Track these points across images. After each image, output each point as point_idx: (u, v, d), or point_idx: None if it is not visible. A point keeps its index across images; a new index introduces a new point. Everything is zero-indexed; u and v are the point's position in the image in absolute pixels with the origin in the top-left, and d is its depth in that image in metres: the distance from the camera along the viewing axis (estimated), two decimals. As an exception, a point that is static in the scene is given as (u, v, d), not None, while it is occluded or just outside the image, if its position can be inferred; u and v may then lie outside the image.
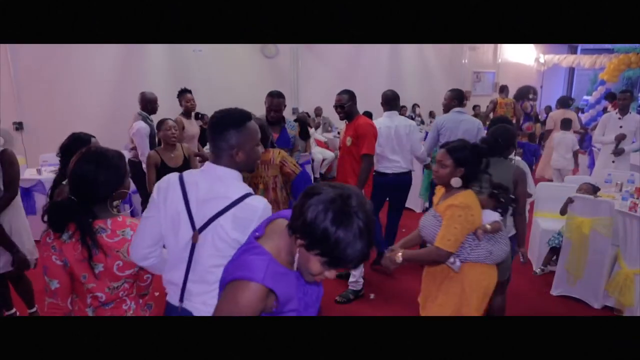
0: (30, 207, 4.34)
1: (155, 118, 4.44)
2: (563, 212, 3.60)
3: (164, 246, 1.59)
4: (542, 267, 4.04)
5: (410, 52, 10.06)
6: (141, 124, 4.32)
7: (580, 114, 10.11)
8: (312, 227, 1.04)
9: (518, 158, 3.29)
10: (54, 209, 1.50)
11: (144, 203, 4.36)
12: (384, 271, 3.16)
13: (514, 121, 6.75)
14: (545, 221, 4.15)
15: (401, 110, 4.21)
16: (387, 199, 4.07)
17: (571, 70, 13.19)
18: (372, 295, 3.63)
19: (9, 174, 2.59)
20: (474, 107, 9.65)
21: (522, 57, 12.10)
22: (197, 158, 4.21)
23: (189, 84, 4.89)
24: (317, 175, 6.92)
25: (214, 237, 1.45)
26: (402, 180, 3.90)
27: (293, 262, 1.16)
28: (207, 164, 1.54)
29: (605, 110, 9.07)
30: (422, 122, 9.46)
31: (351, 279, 3.60)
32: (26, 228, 2.83)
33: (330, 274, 1.12)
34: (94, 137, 2.30)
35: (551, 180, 6.27)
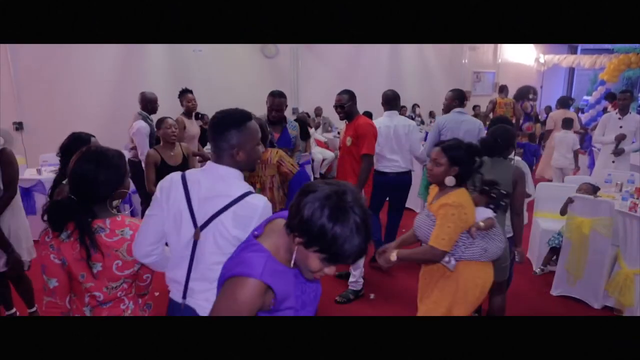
0: (30, 207, 4.35)
1: (155, 118, 4.45)
2: (563, 212, 3.60)
3: (166, 244, 1.61)
4: (542, 267, 4.04)
5: (410, 52, 10.06)
6: (141, 124, 4.33)
7: (580, 114, 10.11)
8: (309, 224, 1.05)
9: (518, 158, 3.29)
10: (53, 208, 1.50)
11: (144, 203, 4.36)
12: (381, 268, 3.18)
13: (513, 121, 6.75)
14: (545, 221, 4.15)
15: (401, 110, 4.21)
16: (387, 199, 4.07)
17: (571, 71, 13.20)
18: (372, 295, 3.63)
19: (8, 173, 2.59)
20: (474, 107, 9.65)
21: (522, 57, 12.10)
22: (197, 158, 4.21)
23: (189, 84, 4.89)
24: (317, 175, 6.93)
25: (215, 234, 1.48)
26: (402, 180, 3.90)
27: (289, 260, 1.17)
28: (209, 163, 1.57)
29: (605, 110, 9.07)
30: (422, 122, 9.47)
31: (351, 279, 3.60)
32: (26, 228, 2.84)
33: (330, 270, 1.12)
34: (93, 136, 2.31)
35: (551, 180, 6.28)
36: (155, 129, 3.49)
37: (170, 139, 3.42)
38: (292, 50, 8.47)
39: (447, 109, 4.21)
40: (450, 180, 2.10)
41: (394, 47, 9.73)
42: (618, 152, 4.99)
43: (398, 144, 3.82)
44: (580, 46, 12.77)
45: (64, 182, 2.11)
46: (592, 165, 6.56)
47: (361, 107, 3.71)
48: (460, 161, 2.09)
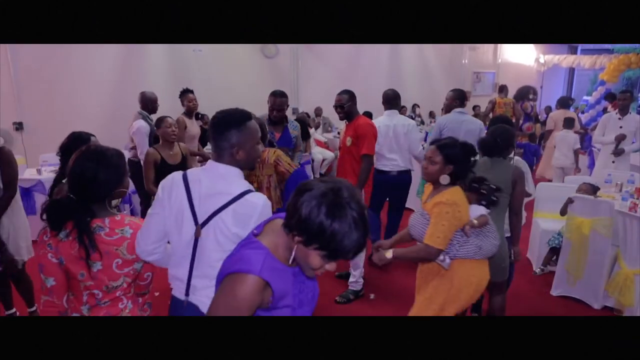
0: (30, 207, 4.34)
1: (155, 118, 4.46)
2: (563, 212, 3.60)
3: (168, 242, 1.64)
4: (542, 267, 4.04)
5: (410, 52, 10.06)
6: (141, 123, 4.35)
7: (580, 114, 10.11)
8: (308, 222, 1.06)
9: (517, 158, 3.29)
10: (52, 207, 1.50)
11: (143, 203, 4.36)
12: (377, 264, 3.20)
13: (513, 120, 6.73)
14: (545, 221, 4.15)
15: (401, 110, 4.21)
16: (387, 199, 4.07)
17: (571, 71, 13.20)
18: (372, 296, 3.63)
19: (8, 173, 2.60)
20: (474, 108, 9.65)
21: (522, 57, 12.10)
22: (197, 157, 4.21)
23: (189, 84, 4.90)
24: (317, 176, 6.93)
25: (215, 231, 1.51)
26: (402, 179, 3.90)
27: (288, 258, 1.18)
28: (210, 162, 1.60)
29: (605, 110, 9.07)
30: (422, 123, 9.46)
31: (351, 279, 3.60)
32: (26, 228, 2.85)
33: (331, 266, 1.13)
34: (93, 135, 2.31)
35: (551, 180, 6.28)
36: (156, 128, 3.49)
37: (170, 138, 3.42)
38: (292, 50, 8.47)
39: (447, 109, 4.21)
40: (444, 179, 2.10)
41: (394, 47, 9.73)
42: (618, 152, 4.99)
43: (397, 143, 3.82)
44: (580, 46, 12.77)
45: (63, 181, 2.11)
46: (592, 165, 6.56)
47: (361, 107, 3.71)
48: (455, 159, 2.09)
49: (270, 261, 1.16)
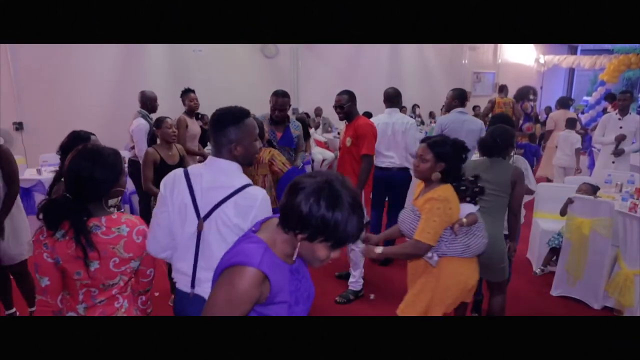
0: (31, 207, 4.34)
1: (155, 117, 4.46)
2: (563, 212, 3.60)
3: None
4: (542, 268, 4.04)
5: (410, 52, 10.06)
6: (141, 121, 4.40)
7: (580, 115, 10.11)
8: (310, 219, 1.09)
9: (518, 156, 3.28)
10: (49, 206, 1.49)
11: (142, 202, 4.36)
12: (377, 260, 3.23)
13: (513, 120, 6.72)
14: (545, 222, 4.15)
15: (402, 110, 4.22)
16: (387, 198, 4.07)
17: (571, 71, 13.19)
18: (372, 296, 3.63)
19: (9, 170, 2.64)
20: (474, 108, 9.64)
21: (522, 57, 12.10)
22: (197, 157, 4.21)
23: (189, 84, 4.89)
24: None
25: (217, 223, 1.56)
26: (400, 176, 3.92)
27: (288, 255, 1.21)
28: (210, 157, 1.66)
29: (605, 111, 9.07)
30: (422, 123, 9.46)
31: (351, 279, 3.60)
32: (26, 228, 2.86)
33: (335, 254, 1.17)
34: (93, 134, 2.31)
35: (552, 180, 6.28)
36: (155, 128, 3.50)
37: (170, 139, 3.42)
38: (292, 50, 8.47)
39: (447, 109, 4.21)
40: (436, 176, 2.10)
41: (394, 47, 9.73)
42: (618, 153, 4.99)
43: (394, 141, 3.85)
44: (580, 47, 12.77)
45: (62, 179, 2.11)
46: (592, 165, 6.56)
47: (361, 108, 3.71)
48: (446, 157, 2.09)
49: (269, 255, 1.17)
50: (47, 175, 4.56)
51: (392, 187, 3.96)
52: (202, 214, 1.58)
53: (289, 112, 3.50)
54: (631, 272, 3.22)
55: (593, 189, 3.79)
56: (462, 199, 2.18)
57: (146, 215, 4.05)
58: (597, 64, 10.93)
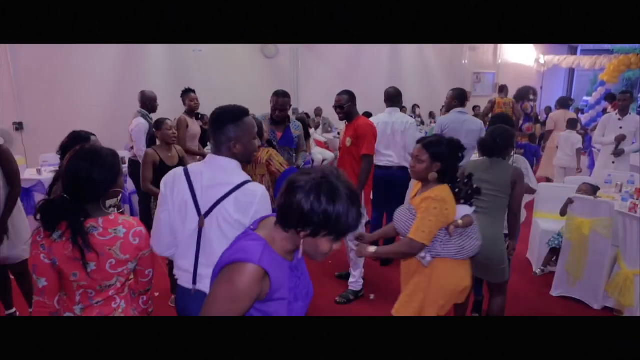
0: (31, 208, 4.34)
1: (155, 117, 4.47)
2: (563, 213, 3.60)
3: None
4: (542, 268, 4.04)
5: (410, 52, 10.07)
6: (141, 120, 4.44)
7: (580, 115, 10.11)
8: (312, 215, 1.10)
9: (518, 156, 3.28)
10: (46, 206, 1.48)
11: (142, 203, 4.36)
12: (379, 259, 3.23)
13: (513, 119, 6.72)
14: (545, 222, 4.15)
15: (402, 110, 4.23)
16: (387, 197, 4.08)
17: (571, 71, 13.19)
18: (372, 296, 3.63)
19: (9, 170, 2.66)
20: (474, 108, 9.65)
21: (522, 57, 12.10)
22: (198, 157, 4.21)
23: (189, 84, 4.89)
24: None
25: (218, 219, 1.60)
26: (399, 175, 3.92)
27: (288, 252, 1.22)
28: (210, 155, 1.68)
29: (605, 111, 9.07)
30: (422, 123, 9.47)
31: (351, 280, 3.60)
32: (26, 228, 2.86)
33: (337, 245, 1.19)
34: (93, 135, 2.31)
35: (552, 180, 6.28)
36: (154, 129, 3.51)
37: (170, 140, 3.43)
38: (292, 50, 8.47)
39: (447, 109, 4.21)
40: (433, 176, 2.10)
41: (394, 47, 9.73)
42: (618, 153, 4.98)
43: (393, 141, 3.86)
44: (580, 47, 12.77)
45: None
46: (592, 165, 6.56)
47: (361, 108, 3.71)
48: (441, 157, 2.09)
49: (268, 252, 1.17)
50: (47, 175, 4.57)
51: (391, 186, 3.96)
52: (202, 211, 1.61)
53: (289, 112, 3.50)
54: (631, 272, 3.22)
55: (593, 189, 3.79)
56: (457, 201, 2.18)
57: (146, 215, 4.06)
58: (597, 64, 10.93)
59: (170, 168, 3.33)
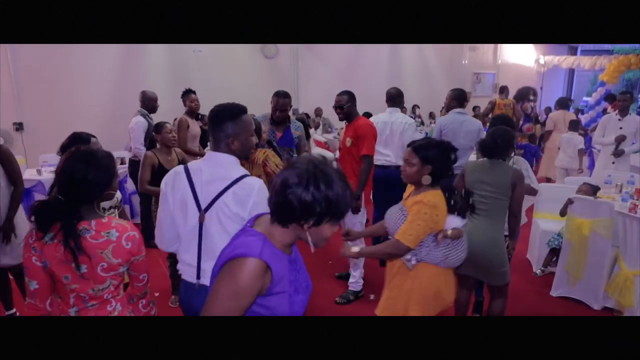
0: (31, 208, 4.35)
1: (155, 117, 4.48)
2: (563, 213, 3.60)
3: None
4: (542, 268, 4.04)
5: (410, 52, 10.06)
6: (140, 119, 4.53)
7: (580, 115, 10.11)
8: (315, 204, 1.13)
9: (518, 157, 3.27)
10: (40, 208, 1.47)
11: (143, 203, 4.36)
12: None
13: (514, 120, 6.72)
14: (545, 222, 4.14)
15: (402, 110, 4.23)
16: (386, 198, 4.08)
17: (571, 72, 13.19)
18: (372, 296, 3.62)
19: (11, 169, 2.70)
20: (474, 108, 9.65)
21: (522, 58, 12.10)
22: (198, 158, 4.21)
23: (189, 84, 4.90)
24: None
25: (218, 213, 1.64)
26: (399, 175, 3.91)
27: (286, 245, 1.23)
28: (209, 152, 1.74)
29: (605, 111, 9.07)
30: (422, 123, 9.47)
31: (351, 280, 3.60)
32: (26, 228, 2.86)
33: (336, 227, 1.23)
34: (94, 136, 2.30)
35: (551, 180, 6.28)
36: (154, 133, 3.52)
37: (170, 144, 3.45)
38: (292, 50, 8.47)
39: (447, 109, 4.21)
40: (426, 179, 2.09)
41: (394, 47, 9.73)
42: (618, 153, 4.98)
43: (392, 140, 3.85)
44: (580, 47, 12.77)
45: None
46: (592, 166, 6.56)
47: (361, 108, 3.71)
48: (432, 160, 2.08)
49: (268, 245, 1.18)
50: (47, 175, 4.57)
51: (390, 185, 3.96)
52: (202, 206, 1.66)
53: (289, 113, 3.50)
54: (631, 273, 3.22)
55: (593, 190, 3.79)
56: (451, 211, 2.17)
57: (147, 216, 4.06)
58: (597, 64, 10.93)
59: (168, 171, 3.35)
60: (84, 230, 1.47)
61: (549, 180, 6.75)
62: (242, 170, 1.69)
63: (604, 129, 5.17)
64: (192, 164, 1.75)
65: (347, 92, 3.46)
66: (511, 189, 2.59)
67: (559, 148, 6.32)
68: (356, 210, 3.34)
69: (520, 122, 7.04)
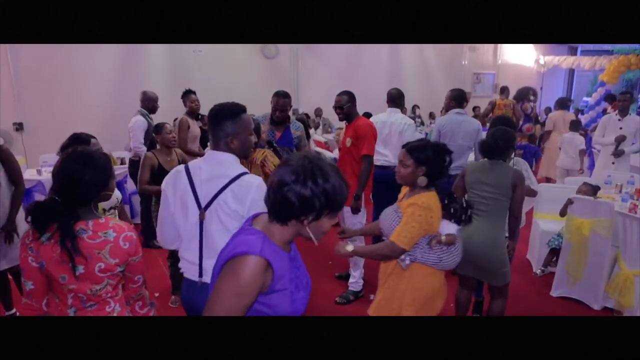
0: (31, 208, 4.35)
1: (155, 118, 4.49)
2: (563, 213, 3.60)
3: None
4: (542, 268, 4.04)
5: (410, 52, 10.06)
6: (140, 118, 4.54)
7: (580, 116, 10.10)
8: (314, 199, 1.14)
9: (517, 158, 3.27)
10: (37, 208, 1.47)
11: (143, 203, 4.36)
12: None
13: (514, 120, 6.72)
14: (545, 222, 4.14)
15: (402, 111, 4.23)
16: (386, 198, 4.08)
17: (571, 72, 13.19)
18: (372, 296, 3.59)
19: (12, 169, 2.71)
20: (474, 109, 9.64)
21: (522, 58, 12.09)
22: (198, 158, 4.21)
23: (189, 84, 4.90)
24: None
25: (218, 211, 1.66)
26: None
27: (286, 242, 1.24)
28: (208, 151, 1.76)
29: (605, 111, 9.07)
30: (422, 124, 9.46)
31: (351, 280, 3.60)
32: (26, 228, 2.86)
33: (334, 220, 1.24)
34: (94, 137, 2.30)
35: (551, 180, 6.28)
36: (154, 134, 3.53)
37: (170, 144, 3.45)
38: (292, 50, 8.47)
39: (446, 109, 4.21)
40: (422, 181, 2.08)
41: (394, 47, 9.72)
42: (618, 154, 4.98)
43: (390, 141, 3.85)
44: (580, 47, 12.77)
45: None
46: (592, 166, 6.56)
47: (361, 108, 3.70)
48: (426, 161, 2.08)
49: (268, 243, 1.18)
50: (47, 175, 4.56)
51: (390, 185, 3.95)
52: (202, 205, 1.68)
53: (289, 113, 3.50)
54: (631, 273, 3.22)
55: (593, 190, 3.79)
56: (448, 218, 2.17)
57: (147, 215, 4.06)
58: (597, 64, 10.92)
59: (168, 172, 3.35)
60: (81, 230, 1.47)
61: (548, 180, 6.75)
62: (241, 169, 1.71)
63: (604, 129, 5.17)
64: (192, 163, 1.77)
65: (347, 92, 3.45)
66: (512, 190, 2.59)
67: (559, 148, 6.31)
68: (356, 211, 3.34)
69: (520, 123, 7.04)
